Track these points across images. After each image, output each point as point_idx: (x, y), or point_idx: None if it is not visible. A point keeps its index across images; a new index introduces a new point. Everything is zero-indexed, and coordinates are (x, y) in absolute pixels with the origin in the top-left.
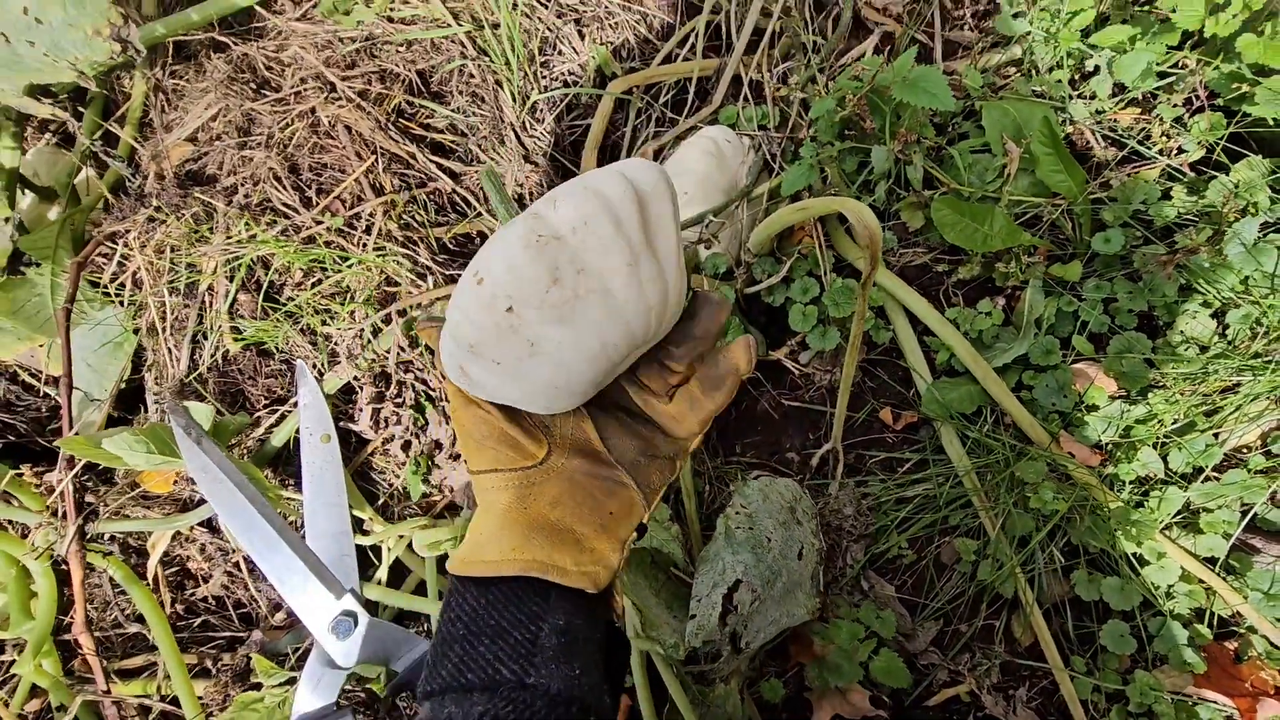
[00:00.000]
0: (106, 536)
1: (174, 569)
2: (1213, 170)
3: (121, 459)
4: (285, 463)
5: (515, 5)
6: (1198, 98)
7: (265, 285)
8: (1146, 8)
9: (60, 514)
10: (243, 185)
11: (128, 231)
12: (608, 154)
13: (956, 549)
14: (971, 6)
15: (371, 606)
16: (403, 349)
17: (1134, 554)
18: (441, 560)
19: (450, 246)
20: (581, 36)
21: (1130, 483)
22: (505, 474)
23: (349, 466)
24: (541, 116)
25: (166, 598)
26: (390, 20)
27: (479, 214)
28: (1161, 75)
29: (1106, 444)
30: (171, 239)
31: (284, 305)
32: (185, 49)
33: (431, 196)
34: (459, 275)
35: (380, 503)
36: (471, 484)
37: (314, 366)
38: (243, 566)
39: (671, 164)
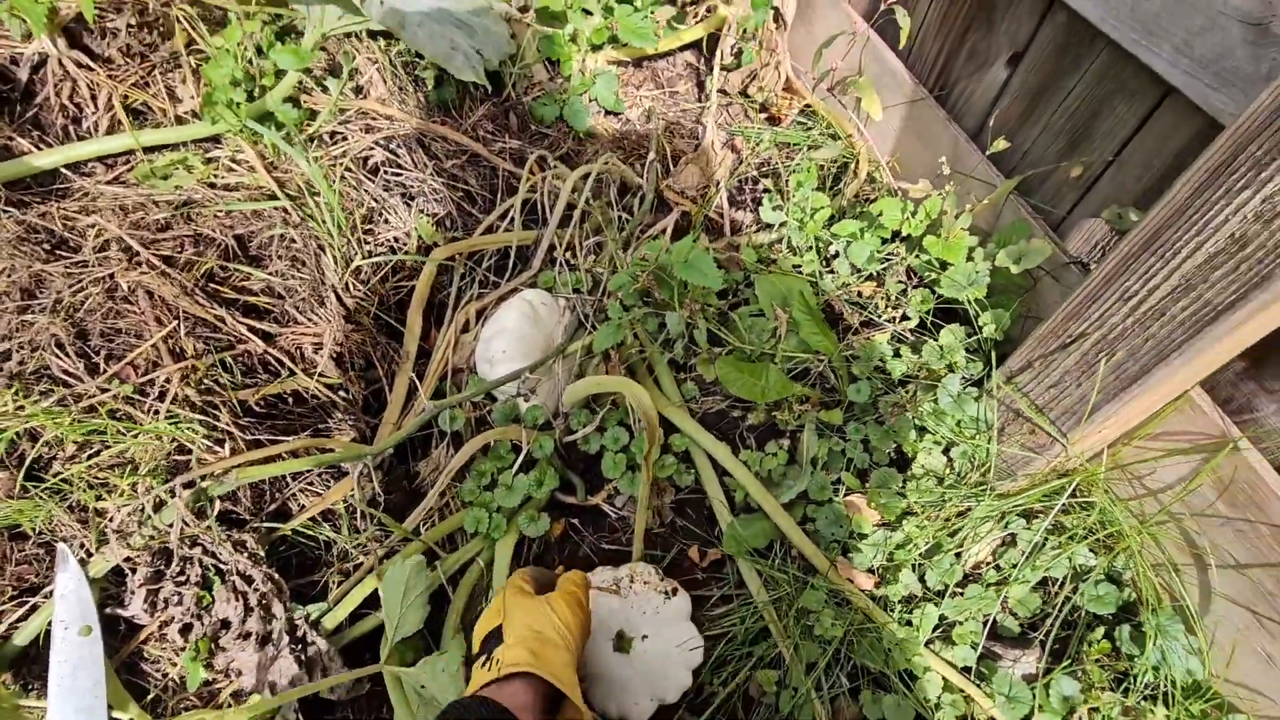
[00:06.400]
0: None
1: None
2: (926, 334)
3: None
4: (32, 662)
5: (342, 178)
6: (911, 277)
7: (28, 461)
8: (869, 207)
9: None
10: (18, 351)
11: None
12: (433, 312)
13: (759, 681)
14: (751, 193)
15: None
16: (186, 523)
17: (906, 670)
18: None
19: (256, 409)
20: (408, 207)
21: (898, 602)
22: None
23: (114, 659)
24: (366, 278)
25: None
26: (213, 186)
27: (291, 374)
28: (883, 260)
29: (878, 568)
30: None
31: (50, 481)
32: None
33: (239, 359)
34: (263, 439)
35: (150, 697)
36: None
37: (81, 547)
38: None
39: (491, 323)
